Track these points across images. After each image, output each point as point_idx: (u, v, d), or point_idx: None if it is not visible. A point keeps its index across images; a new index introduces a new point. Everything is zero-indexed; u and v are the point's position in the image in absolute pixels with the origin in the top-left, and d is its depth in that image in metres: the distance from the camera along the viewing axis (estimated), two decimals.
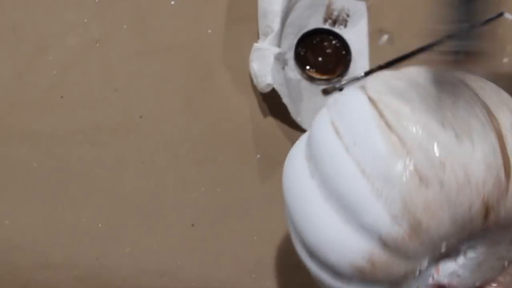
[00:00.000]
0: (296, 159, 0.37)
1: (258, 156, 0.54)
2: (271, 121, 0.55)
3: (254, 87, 0.55)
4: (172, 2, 0.59)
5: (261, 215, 0.52)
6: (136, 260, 0.50)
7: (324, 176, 0.33)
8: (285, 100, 0.51)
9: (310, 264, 0.36)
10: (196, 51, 0.57)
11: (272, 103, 0.55)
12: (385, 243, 0.30)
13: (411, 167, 0.29)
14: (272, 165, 0.54)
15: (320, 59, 0.57)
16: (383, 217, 0.29)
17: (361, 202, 0.30)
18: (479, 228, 0.30)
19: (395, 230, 0.29)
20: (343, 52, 0.57)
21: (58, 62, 0.55)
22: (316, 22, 0.59)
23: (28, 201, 0.51)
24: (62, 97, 0.54)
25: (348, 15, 0.59)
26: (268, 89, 0.51)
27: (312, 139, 0.36)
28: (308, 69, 0.57)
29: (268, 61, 0.52)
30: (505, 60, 0.59)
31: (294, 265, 0.51)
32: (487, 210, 0.30)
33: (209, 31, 0.58)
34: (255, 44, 0.54)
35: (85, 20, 0.57)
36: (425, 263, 0.31)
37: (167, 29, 0.58)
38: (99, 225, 0.50)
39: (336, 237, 0.32)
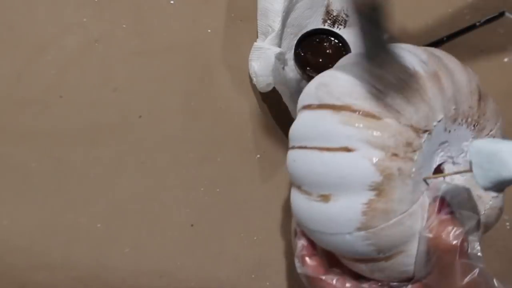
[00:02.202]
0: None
1: (258, 156, 0.54)
2: (271, 121, 0.55)
3: (254, 87, 0.55)
4: (172, 2, 0.59)
5: (261, 215, 0.52)
6: (136, 261, 0.50)
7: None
8: (286, 100, 0.51)
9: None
10: (195, 51, 0.57)
11: (272, 103, 0.55)
12: (416, 74, 0.35)
13: None
14: (272, 165, 0.54)
15: (320, 59, 0.57)
16: (416, 60, 0.37)
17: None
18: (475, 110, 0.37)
19: (425, 66, 0.36)
20: (343, 52, 0.57)
21: (57, 62, 0.55)
22: (316, 22, 0.59)
23: (26, 201, 0.51)
24: (61, 97, 0.54)
25: (347, 15, 0.60)
26: (268, 89, 0.51)
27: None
28: (309, 70, 0.57)
29: (268, 60, 0.52)
30: (506, 59, 0.59)
31: (294, 265, 0.50)
32: (480, 94, 0.37)
33: (209, 30, 0.58)
34: (255, 44, 0.54)
35: (84, 20, 0.57)
36: (440, 115, 0.35)
37: (166, 29, 0.57)
38: (98, 225, 0.50)
39: None
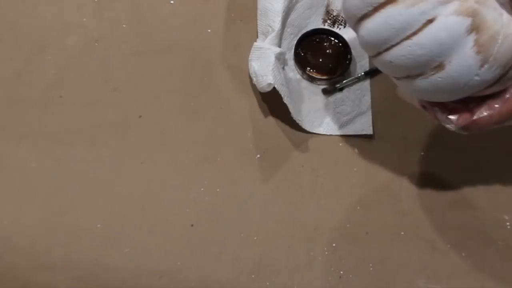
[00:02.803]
0: None
1: (258, 156, 0.54)
2: (271, 121, 0.55)
3: (253, 86, 0.55)
4: (172, 2, 0.59)
5: (261, 215, 0.52)
6: (136, 261, 0.49)
7: None
8: (286, 100, 0.51)
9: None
10: (195, 51, 0.57)
11: (272, 103, 0.55)
12: None
13: None
14: (272, 165, 0.54)
15: (320, 59, 0.57)
16: None
17: None
18: None
19: None
20: (343, 52, 0.57)
21: (57, 61, 0.55)
22: (316, 22, 0.59)
23: (26, 202, 0.51)
24: (61, 96, 0.54)
25: None
26: (268, 89, 0.51)
27: None
28: (309, 70, 0.57)
29: (269, 60, 0.52)
30: None
31: (294, 265, 0.50)
32: None
33: (209, 30, 0.58)
34: (255, 43, 0.54)
35: (84, 20, 0.57)
36: None
37: (166, 29, 0.57)
38: (98, 225, 0.50)
39: None
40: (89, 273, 0.49)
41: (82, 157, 0.52)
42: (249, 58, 0.54)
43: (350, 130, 0.55)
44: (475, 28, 0.35)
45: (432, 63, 0.37)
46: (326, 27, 0.59)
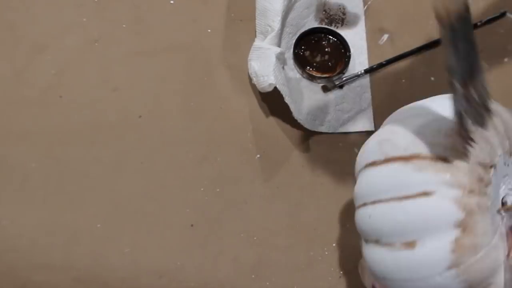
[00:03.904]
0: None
1: (258, 156, 0.54)
2: (271, 121, 0.55)
3: (253, 86, 0.55)
4: (171, 2, 0.59)
5: (261, 215, 0.52)
6: (135, 261, 0.49)
7: None
8: (287, 99, 0.51)
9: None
10: (195, 51, 0.57)
11: (272, 103, 0.55)
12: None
13: None
14: (272, 165, 0.53)
15: (319, 58, 0.57)
16: None
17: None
18: None
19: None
20: (342, 50, 0.57)
21: (57, 61, 0.55)
22: (313, 21, 0.59)
23: (26, 202, 0.51)
24: (60, 96, 0.54)
25: (344, 13, 0.60)
26: (269, 89, 0.51)
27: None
28: (308, 69, 0.57)
29: (269, 60, 0.52)
30: (506, 59, 0.59)
31: (294, 265, 0.50)
32: None
33: (209, 30, 0.58)
34: (255, 43, 0.54)
35: (84, 20, 0.57)
36: (499, 151, 0.37)
37: (166, 29, 0.57)
38: (98, 225, 0.50)
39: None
40: (88, 273, 0.49)
41: (82, 157, 0.52)
42: (249, 58, 0.54)
43: (352, 127, 0.55)
44: (463, 225, 0.34)
45: (406, 236, 0.35)
46: (324, 26, 0.59)
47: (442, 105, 0.37)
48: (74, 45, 0.56)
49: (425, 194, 0.34)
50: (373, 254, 0.38)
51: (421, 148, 0.36)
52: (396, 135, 0.39)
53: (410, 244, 0.35)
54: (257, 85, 0.52)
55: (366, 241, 0.40)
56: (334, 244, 0.51)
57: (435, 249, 0.34)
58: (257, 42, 0.55)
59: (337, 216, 0.52)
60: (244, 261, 0.50)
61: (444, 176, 0.34)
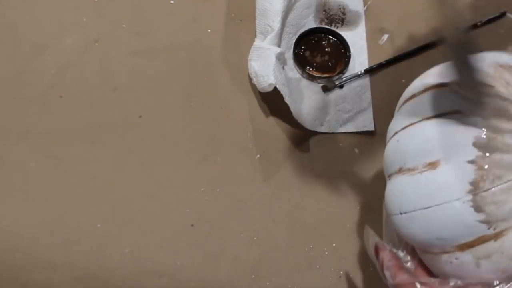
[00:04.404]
0: None
1: (258, 156, 0.54)
2: (271, 121, 0.55)
3: (253, 86, 0.55)
4: (172, 2, 0.59)
5: (261, 215, 0.52)
6: (135, 261, 0.49)
7: None
8: (287, 100, 0.51)
9: None
10: (195, 51, 0.57)
11: (272, 103, 0.55)
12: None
13: None
14: (272, 165, 0.53)
15: (319, 58, 0.57)
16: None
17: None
18: None
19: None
20: (342, 50, 0.58)
21: (57, 61, 0.55)
22: (313, 21, 0.59)
23: (26, 202, 0.51)
24: (61, 96, 0.54)
25: (344, 13, 0.60)
26: (269, 89, 0.51)
27: None
28: (308, 69, 0.57)
29: (269, 60, 0.52)
30: None
31: (294, 265, 0.50)
32: None
33: (209, 30, 0.58)
34: (255, 43, 0.54)
35: (84, 20, 0.57)
36: None
37: (166, 29, 0.57)
38: (98, 225, 0.50)
39: None
40: (89, 273, 0.49)
41: (82, 157, 0.52)
42: (249, 58, 0.54)
43: (352, 127, 0.55)
44: (484, 147, 0.33)
45: (431, 155, 0.34)
46: (324, 26, 0.59)
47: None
48: (74, 45, 0.56)
49: (457, 112, 0.34)
50: (394, 187, 0.37)
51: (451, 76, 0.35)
52: (440, 67, 0.38)
53: (433, 164, 0.34)
54: (257, 85, 0.52)
55: (389, 176, 0.38)
56: (334, 244, 0.51)
57: (458, 168, 0.33)
58: (257, 42, 0.55)
59: (337, 216, 0.52)
60: (244, 261, 0.50)
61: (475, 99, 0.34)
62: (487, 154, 0.32)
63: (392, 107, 0.56)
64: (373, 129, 0.55)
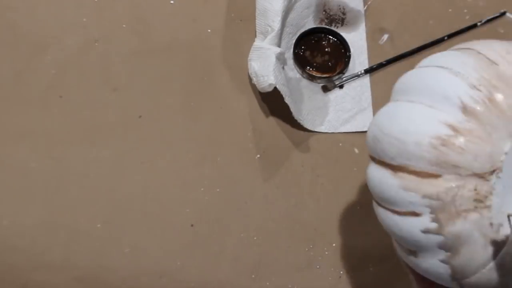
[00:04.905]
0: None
1: (258, 156, 0.54)
2: (271, 121, 0.55)
3: (253, 86, 0.55)
4: (172, 1, 0.59)
5: (261, 215, 0.52)
6: (135, 261, 0.49)
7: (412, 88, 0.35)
8: (287, 100, 0.51)
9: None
10: (195, 51, 0.57)
11: (272, 103, 0.55)
12: (466, 108, 0.31)
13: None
14: (272, 165, 0.53)
15: (319, 58, 0.57)
16: (463, 86, 0.32)
17: (443, 83, 0.33)
18: None
19: (475, 94, 0.31)
20: (342, 50, 0.58)
21: (57, 61, 0.55)
22: (313, 21, 0.59)
23: (26, 202, 0.51)
24: (60, 96, 0.54)
25: (344, 13, 0.60)
26: (269, 89, 0.51)
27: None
28: (308, 69, 0.57)
29: (269, 60, 0.52)
30: None
31: (294, 265, 0.50)
32: None
33: (209, 30, 0.58)
34: (255, 43, 0.54)
35: (84, 20, 0.57)
36: (508, 145, 0.31)
37: (166, 29, 0.57)
38: (98, 225, 0.50)
39: (420, 116, 0.33)
40: (89, 273, 0.49)
41: (82, 157, 0.52)
42: (249, 58, 0.54)
43: (352, 127, 0.55)
44: (451, 249, 0.31)
45: (408, 245, 0.34)
46: (324, 26, 0.59)
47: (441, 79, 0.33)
48: (74, 45, 0.56)
49: (414, 214, 0.32)
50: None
51: (407, 160, 0.32)
52: (387, 137, 0.34)
53: (413, 252, 0.34)
54: (257, 85, 0.52)
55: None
56: (334, 244, 0.51)
57: (434, 264, 0.33)
58: (257, 42, 0.55)
59: (337, 216, 0.52)
60: (244, 261, 0.50)
61: (431, 198, 0.31)
62: (455, 253, 0.32)
63: None
64: None
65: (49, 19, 0.57)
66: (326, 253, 0.51)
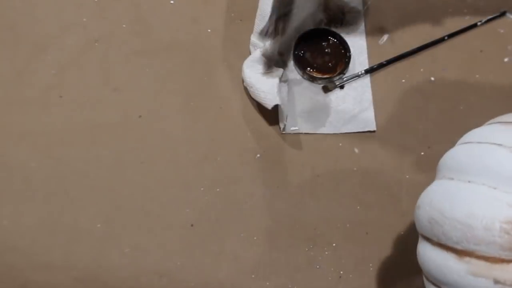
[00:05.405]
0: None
1: (258, 156, 0.54)
2: (271, 121, 0.55)
3: None
4: (172, 2, 0.59)
5: (261, 215, 0.52)
6: (135, 261, 0.49)
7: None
8: (281, 117, 0.52)
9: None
10: (195, 51, 0.57)
11: None
12: None
13: None
14: (272, 165, 0.53)
15: (319, 59, 0.57)
16: None
17: (505, 163, 0.32)
18: None
19: None
20: (342, 51, 0.57)
21: (57, 61, 0.55)
22: (313, 22, 0.59)
23: (26, 202, 0.51)
24: (61, 96, 0.54)
25: (343, 14, 0.60)
26: (269, 108, 0.52)
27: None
28: (309, 70, 0.57)
29: (273, 81, 0.52)
30: (506, 59, 0.59)
31: (294, 265, 0.50)
32: None
33: (209, 30, 0.58)
34: (252, 40, 0.54)
35: (84, 20, 0.57)
36: None
37: (166, 29, 0.57)
38: (98, 225, 0.50)
39: (486, 199, 0.32)
40: (89, 273, 0.49)
41: (82, 157, 0.52)
42: (245, 65, 0.54)
43: (353, 127, 0.55)
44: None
45: None
46: (323, 26, 0.59)
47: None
48: (74, 45, 0.56)
49: None
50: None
51: (474, 245, 0.32)
52: (448, 220, 0.33)
53: None
54: (254, 97, 0.53)
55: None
56: (334, 244, 0.51)
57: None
58: (253, 39, 0.55)
59: (337, 216, 0.52)
60: (244, 261, 0.50)
61: (503, 283, 0.31)
62: None
63: (393, 107, 0.56)
64: (375, 128, 0.55)
65: (49, 19, 0.57)
66: (326, 253, 0.51)
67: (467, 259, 0.32)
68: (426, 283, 0.37)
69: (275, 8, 0.54)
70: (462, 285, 0.32)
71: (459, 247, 0.32)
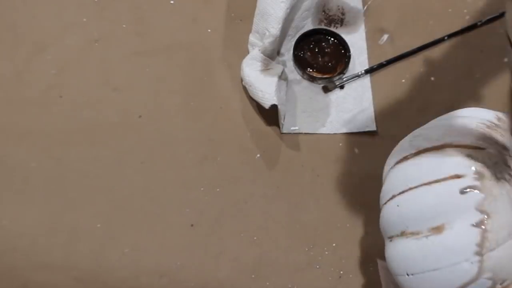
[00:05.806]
0: None
1: (258, 156, 0.54)
2: (271, 121, 0.55)
3: None
4: (172, 2, 0.59)
5: (261, 215, 0.52)
6: (135, 261, 0.49)
7: None
8: (280, 117, 0.52)
9: None
10: (195, 51, 0.57)
11: None
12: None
13: None
14: (272, 165, 0.53)
15: (319, 59, 0.57)
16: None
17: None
18: None
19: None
20: (342, 51, 0.58)
21: (57, 61, 0.55)
22: (312, 23, 0.59)
23: (26, 202, 0.51)
24: (61, 96, 0.54)
25: (343, 14, 0.60)
26: (266, 107, 0.52)
27: None
28: (309, 70, 0.57)
29: (271, 79, 0.52)
30: (506, 59, 0.59)
31: (294, 265, 0.50)
32: None
33: (209, 30, 0.58)
34: (250, 53, 0.54)
35: (84, 20, 0.57)
36: None
37: (166, 29, 0.57)
38: (98, 225, 0.50)
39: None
40: (89, 273, 0.49)
41: (82, 156, 0.52)
42: (244, 64, 0.54)
43: (354, 127, 0.55)
44: (487, 212, 0.34)
45: (434, 220, 0.35)
46: (323, 27, 0.59)
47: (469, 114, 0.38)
48: (74, 45, 0.56)
49: (457, 176, 0.35)
50: (398, 249, 0.38)
51: (453, 137, 0.37)
52: (427, 130, 0.40)
53: (438, 229, 0.35)
54: (253, 96, 0.53)
55: (391, 238, 0.39)
56: (334, 244, 0.51)
57: (463, 232, 0.34)
58: (252, 38, 0.55)
59: (337, 216, 0.52)
60: (244, 261, 0.50)
61: (475, 162, 0.35)
62: (489, 216, 0.34)
63: (393, 107, 0.56)
64: (375, 128, 0.55)
65: (49, 19, 0.57)
66: (326, 253, 0.51)
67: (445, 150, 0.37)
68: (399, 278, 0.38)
69: (282, 28, 0.54)
70: (440, 167, 0.36)
71: (437, 143, 0.38)
